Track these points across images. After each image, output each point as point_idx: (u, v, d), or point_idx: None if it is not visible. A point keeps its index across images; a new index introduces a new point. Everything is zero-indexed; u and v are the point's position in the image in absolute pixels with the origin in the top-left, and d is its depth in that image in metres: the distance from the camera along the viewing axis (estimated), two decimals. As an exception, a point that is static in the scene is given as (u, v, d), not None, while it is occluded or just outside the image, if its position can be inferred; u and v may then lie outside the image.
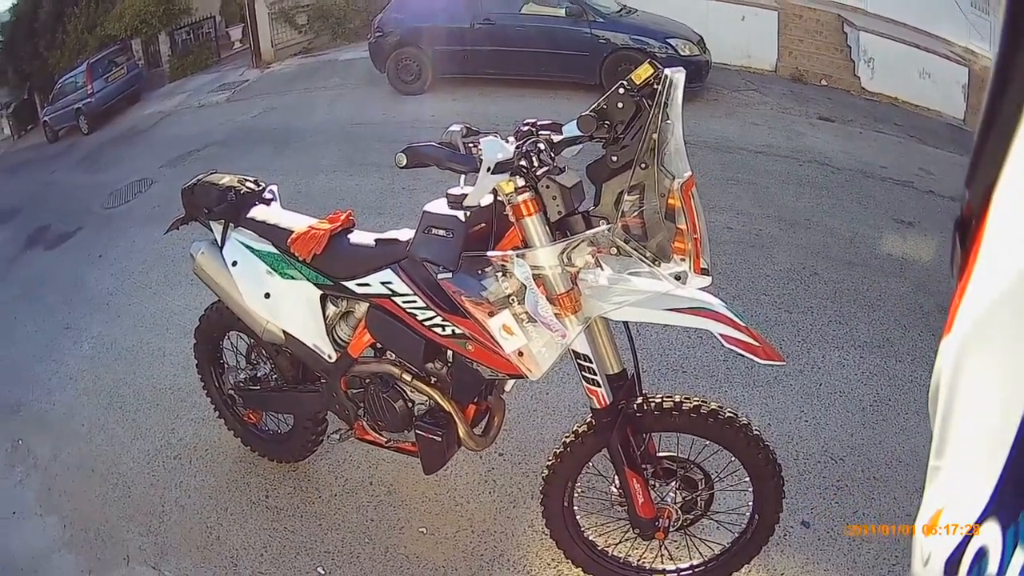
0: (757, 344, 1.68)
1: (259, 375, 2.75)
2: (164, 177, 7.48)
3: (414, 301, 1.99)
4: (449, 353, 2.11)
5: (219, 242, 2.48)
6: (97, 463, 3.36)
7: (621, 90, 1.65)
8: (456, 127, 1.84)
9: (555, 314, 1.76)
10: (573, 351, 1.89)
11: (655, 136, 1.63)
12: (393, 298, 2.04)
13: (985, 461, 0.58)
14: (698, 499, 2.08)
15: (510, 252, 1.77)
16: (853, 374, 3.23)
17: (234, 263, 2.41)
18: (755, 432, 1.93)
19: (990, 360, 0.60)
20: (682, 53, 7.59)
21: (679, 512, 2.06)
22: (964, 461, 0.62)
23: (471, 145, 1.79)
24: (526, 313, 1.78)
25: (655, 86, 1.62)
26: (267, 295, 2.35)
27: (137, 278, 5.24)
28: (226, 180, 2.52)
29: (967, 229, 0.66)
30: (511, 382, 2.22)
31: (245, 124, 8.90)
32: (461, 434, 2.14)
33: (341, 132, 7.66)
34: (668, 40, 7.71)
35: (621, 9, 8.40)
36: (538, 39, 8.05)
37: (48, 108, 13.75)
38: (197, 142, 8.42)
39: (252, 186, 2.52)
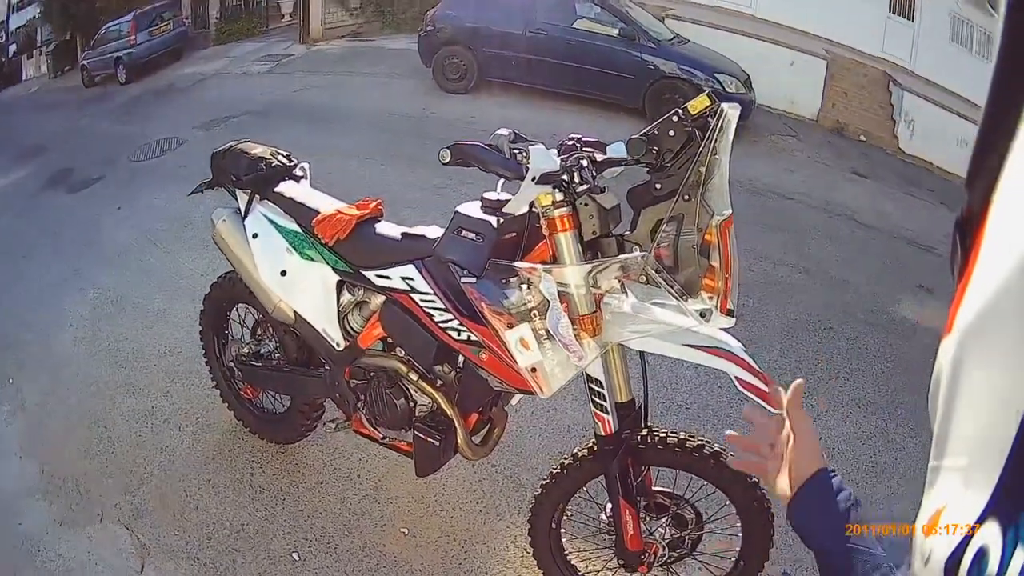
0: (770, 392, 1.66)
1: (263, 352, 2.72)
2: (195, 139, 7.46)
3: (433, 301, 1.96)
4: (460, 359, 2.07)
5: (242, 212, 2.46)
6: (85, 414, 3.34)
7: (675, 118, 1.61)
8: (504, 131, 1.79)
9: (575, 335, 1.73)
10: (586, 375, 1.86)
11: (702, 169, 1.59)
12: (412, 295, 2.00)
13: (985, 461, 0.58)
14: (686, 537, 2.05)
15: (538, 265, 1.74)
16: (853, 432, 3.18)
17: (255, 235, 2.39)
18: (753, 479, 1.89)
19: (990, 360, 0.60)
20: (728, 89, 7.47)
21: (666, 548, 2.04)
22: (964, 461, 0.62)
23: (517, 152, 1.76)
24: (545, 330, 1.74)
25: (709, 119, 1.58)
26: (283, 273, 2.32)
27: (153, 236, 5.21)
28: (259, 150, 2.50)
29: (967, 229, 0.66)
30: (518, 396, 2.19)
31: (284, 98, 8.88)
32: (459, 441, 2.11)
33: (379, 120, 7.61)
34: (715, 74, 7.62)
35: (674, 37, 8.30)
36: (587, 56, 7.94)
37: (88, 52, 13.74)
38: (234, 109, 8.39)
39: (284, 160, 2.49)
